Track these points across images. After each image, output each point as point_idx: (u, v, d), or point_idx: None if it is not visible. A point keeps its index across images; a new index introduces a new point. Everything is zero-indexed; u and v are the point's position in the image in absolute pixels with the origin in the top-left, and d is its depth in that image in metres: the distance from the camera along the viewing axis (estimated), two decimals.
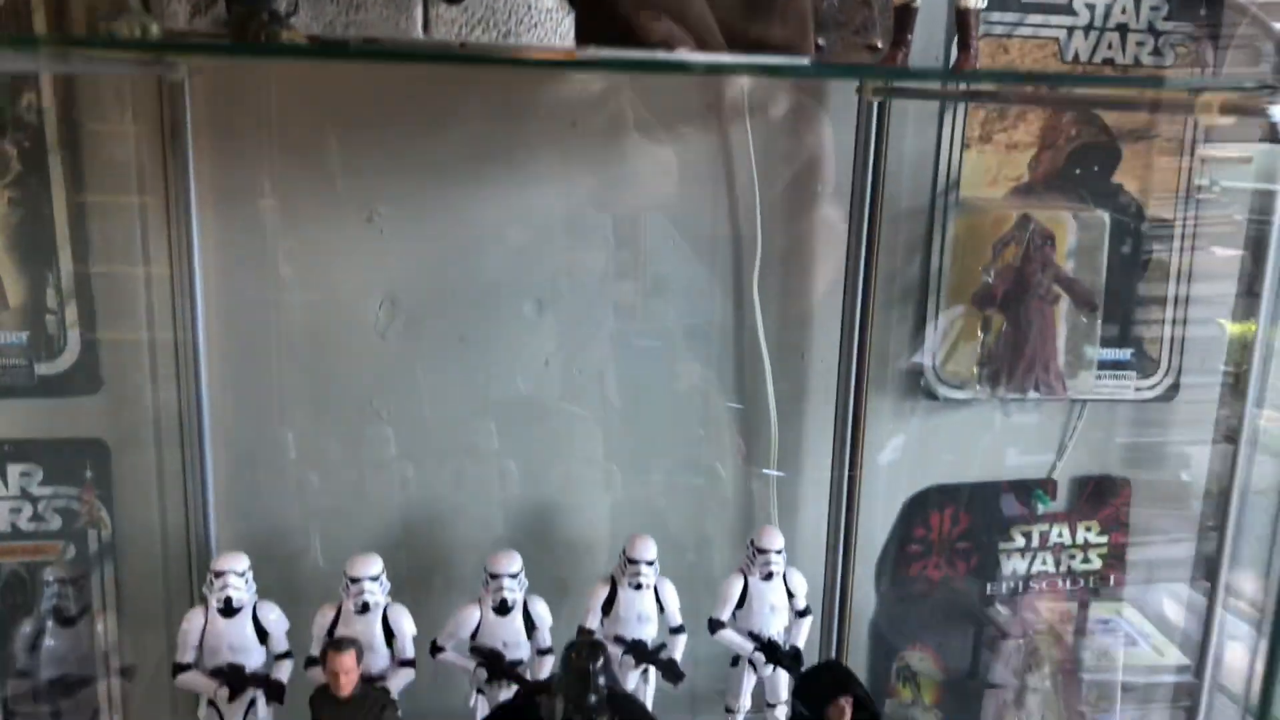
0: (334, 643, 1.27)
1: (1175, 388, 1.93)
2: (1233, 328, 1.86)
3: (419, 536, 1.73)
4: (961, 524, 2.01)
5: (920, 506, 1.99)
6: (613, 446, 1.77)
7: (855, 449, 1.82)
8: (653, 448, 1.79)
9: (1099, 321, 1.87)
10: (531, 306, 1.69)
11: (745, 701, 1.64)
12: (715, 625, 1.61)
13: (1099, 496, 2.04)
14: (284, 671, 1.47)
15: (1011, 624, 2.04)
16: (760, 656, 1.58)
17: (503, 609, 1.48)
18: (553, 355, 1.71)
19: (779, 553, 1.58)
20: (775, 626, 1.60)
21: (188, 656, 1.46)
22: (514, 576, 1.49)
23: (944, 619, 2.06)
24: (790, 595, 1.60)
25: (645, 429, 1.78)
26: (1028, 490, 2.01)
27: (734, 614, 1.62)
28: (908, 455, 1.95)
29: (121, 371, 1.63)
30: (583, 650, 1.23)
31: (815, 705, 1.25)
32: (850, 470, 1.86)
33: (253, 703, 1.47)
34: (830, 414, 1.80)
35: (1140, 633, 2.05)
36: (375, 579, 1.46)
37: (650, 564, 1.53)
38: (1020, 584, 2.06)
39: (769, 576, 1.59)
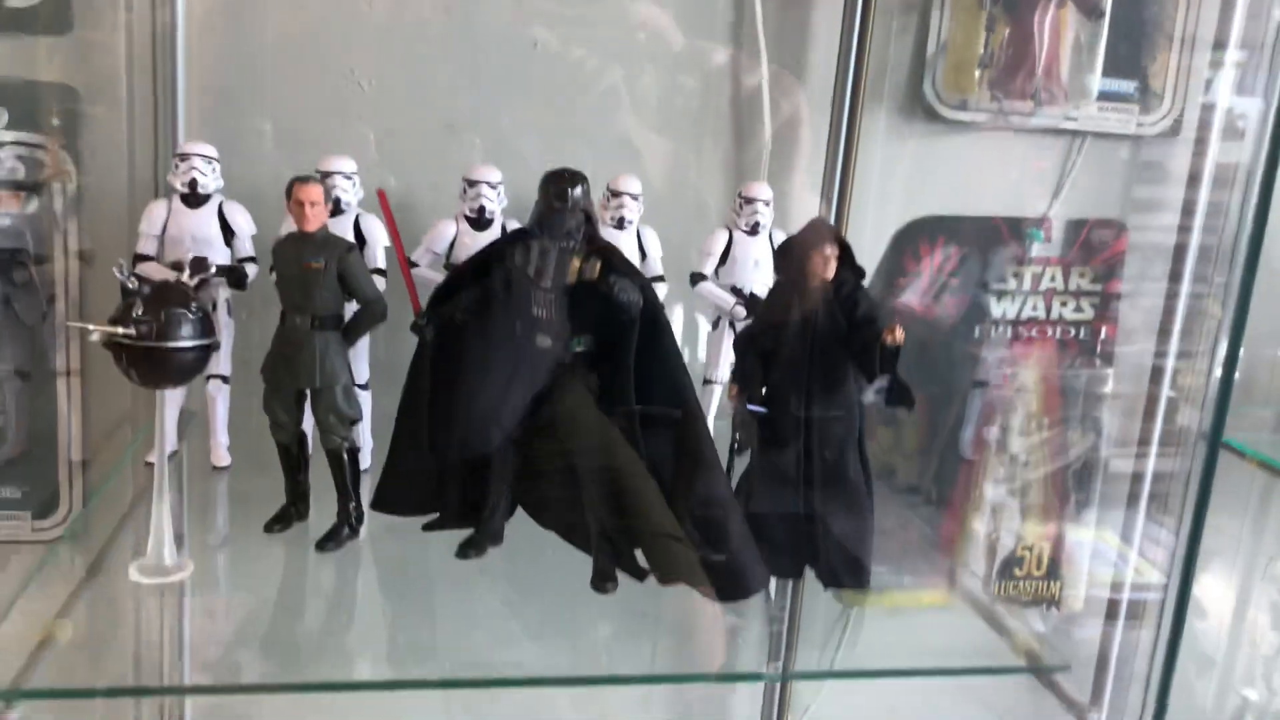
0: (299, 176, 1.20)
1: (1178, 124, 1.88)
2: None
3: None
4: (953, 259, 1.96)
5: (912, 237, 1.94)
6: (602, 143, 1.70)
7: (846, 169, 1.76)
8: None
9: (1102, 42, 1.82)
10: None
11: (724, 372, 1.58)
12: (696, 278, 1.55)
13: (1095, 241, 1.99)
14: (249, 271, 1.41)
15: (999, 369, 1.99)
16: (740, 311, 1.53)
17: (481, 219, 1.42)
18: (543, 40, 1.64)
19: (767, 204, 1.53)
20: (758, 283, 1.54)
21: (149, 247, 1.40)
22: (494, 186, 1.43)
23: (929, 359, 2.00)
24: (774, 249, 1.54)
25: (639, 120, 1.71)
26: (1022, 228, 1.96)
27: (717, 270, 1.56)
28: (902, 180, 1.90)
29: (94, 12, 1.55)
30: (562, 174, 1.17)
31: (797, 262, 1.19)
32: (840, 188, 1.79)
33: None
34: (825, 133, 1.74)
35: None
36: (348, 177, 1.40)
37: (635, 197, 1.47)
38: (1010, 328, 2.01)
39: (755, 229, 1.54)
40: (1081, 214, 1.96)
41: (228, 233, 1.41)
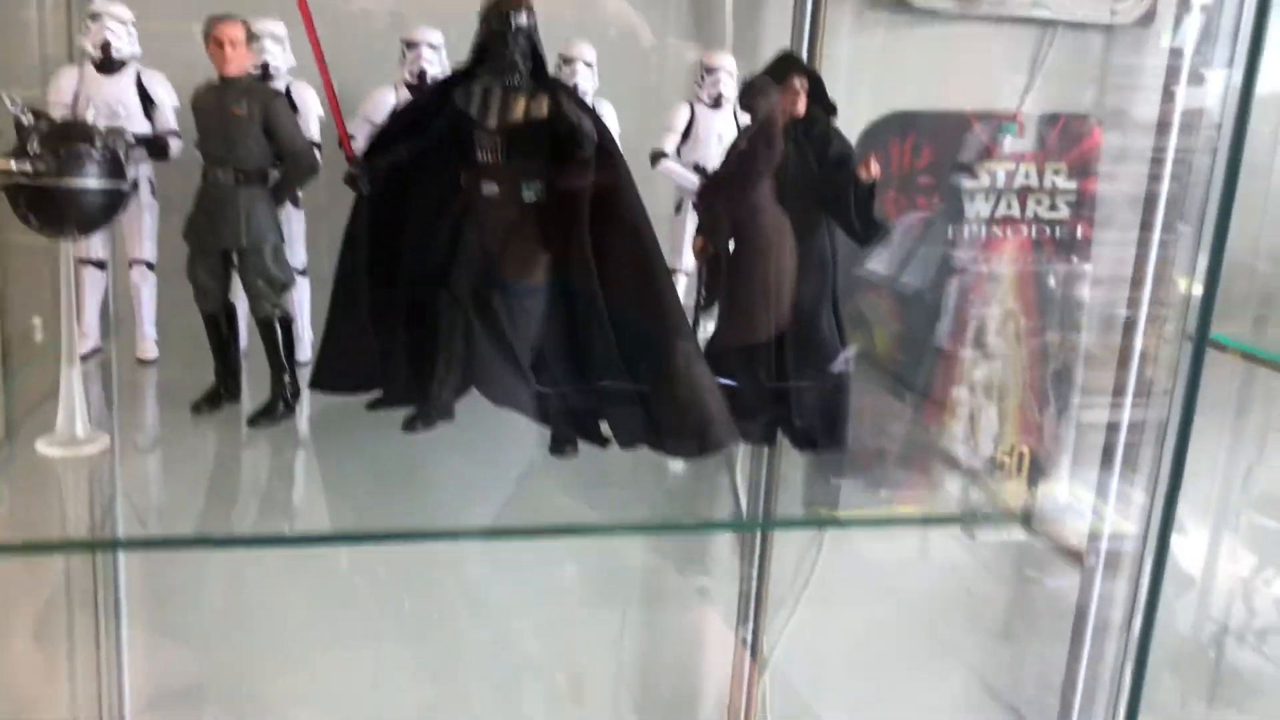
0: (218, 15, 1.09)
1: (1151, 13, 1.81)
2: None
3: None
4: (924, 156, 1.88)
5: (880, 133, 1.85)
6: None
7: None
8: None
9: None
10: None
11: (688, 261, 1.49)
12: (657, 156, 1.46)
13: (1068, 135, 1.92)
14: (171, 146, 1.29)
15: (972, 269, 1.91)
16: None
17: (421, 85, 1.32)
18: None
19: (730, 74, 1.44)
20: None
21: (57, 113, 1.28)
22: (434, 48, 1.32)
23: (901, 260, 1.92)
24: (739, 128, 1.45)
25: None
26: (994, 123, 1.88)
27: (679, 149, 1.47)
28: (870, 74, 1.82)
29: None
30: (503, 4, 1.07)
31: (763, 99, 1.10)
32: None
33: None
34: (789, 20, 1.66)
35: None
36: (278, 40, 1.29)
37: (589, 65, 1.38)
38: (983, 227, 1.93)
39: (718, 101, 1.45)
40: (1055, 108, 1.89)
41: (147, 105, 1.29)
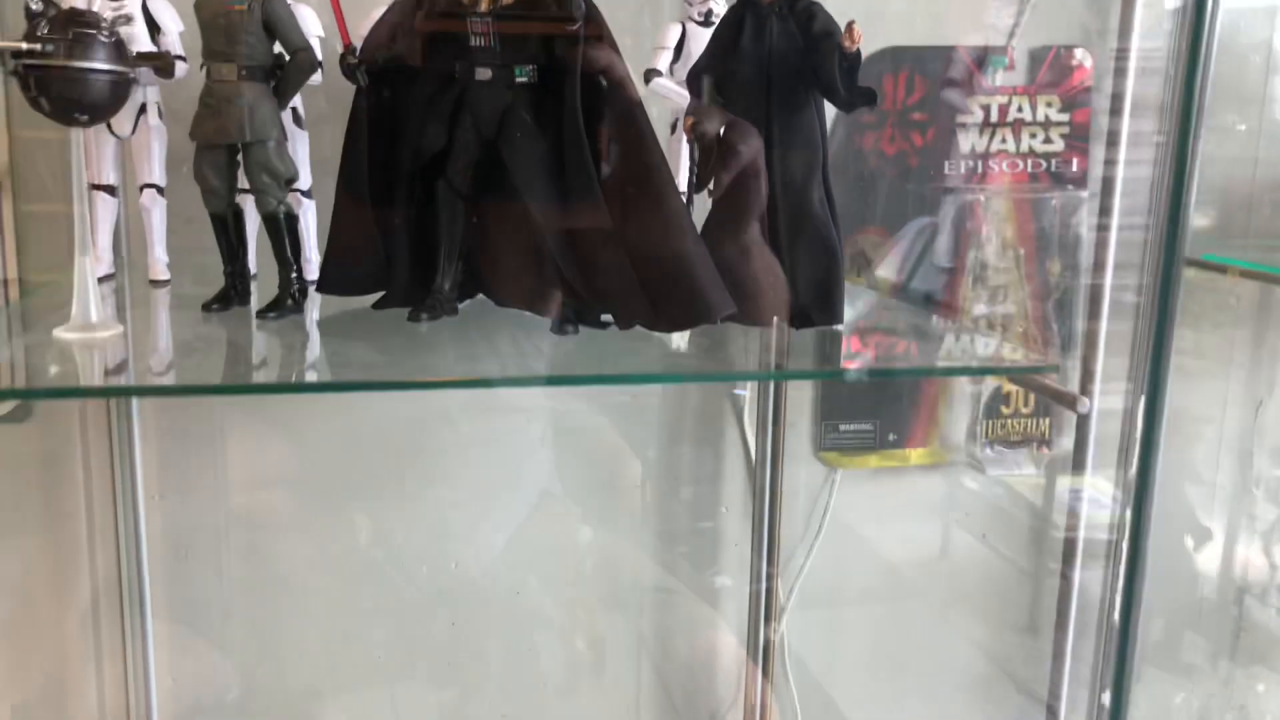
0: None
1: None
2: None
3: None
4: (917, 90, 1.91)
5: (872, 68, 1.89)
6: None
7: None
8: None
9: None
10: None
11: (684, 179, 1.51)
12: (650, 75, 1.49)
13: (1059, 68, 1.94)
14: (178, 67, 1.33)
15: (966, 191, 1.94)
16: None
17: None
18: None
19: None
20: None
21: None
22: None
23: (899, 198, 1.95)
24: None
25: None
26: (984, 56, 1.91)
27: (671, 68, 1.50)
28: (861, 9, 1.85)
29: None
30: None
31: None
32: None
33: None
34: None
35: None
36: None
37: None
38: (979, 162, 1.95)
39: (708, 18, 1.48)
40: (1045, 41, 1.92)
41: (154, 32, 1.34)
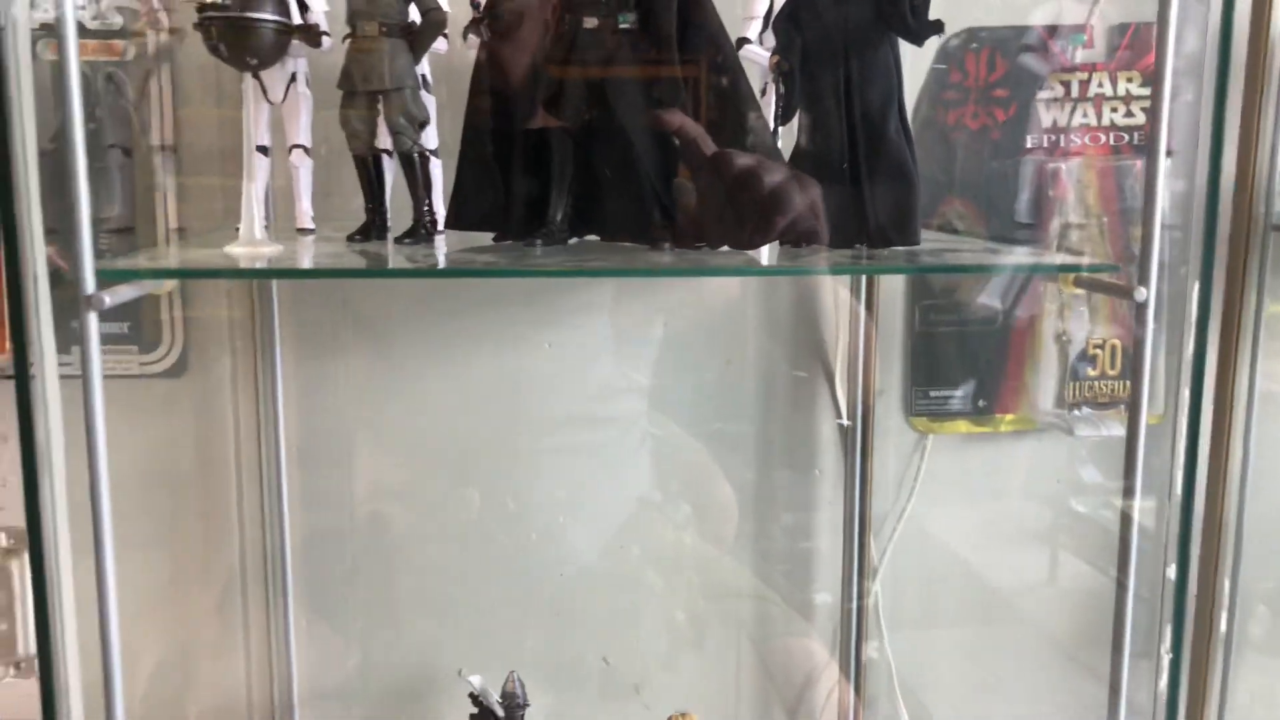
0: None
1: None
2: None
3: None
4: (999, 69, 2.01)
5: (955, 50, 2.00)
6: None
7: None
8: None
9: None
10: None
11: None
12: (741, 43, 1.63)
13: (1139, 45, 2.02)
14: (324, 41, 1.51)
15: (1051, 167, 2.02)
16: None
17: None
18: None
19: None
20: None
21: None
22: None
23: (983, 171, 2.04)
24: None
25: None
26: (1064, 35, 2.00)
27: (760, 36, 1.63)
28: None
29: None
30: None
31: None
32: None
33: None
34: None
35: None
36: None
37: None
38: (1061, 137, 2.04)
39: None
40: (1123, 19, 2.00)
41: (302, 8, 1.52)
